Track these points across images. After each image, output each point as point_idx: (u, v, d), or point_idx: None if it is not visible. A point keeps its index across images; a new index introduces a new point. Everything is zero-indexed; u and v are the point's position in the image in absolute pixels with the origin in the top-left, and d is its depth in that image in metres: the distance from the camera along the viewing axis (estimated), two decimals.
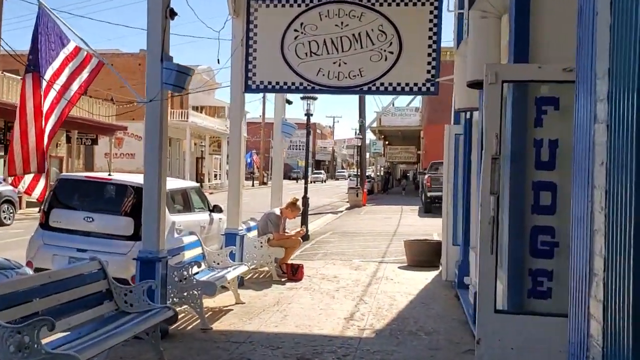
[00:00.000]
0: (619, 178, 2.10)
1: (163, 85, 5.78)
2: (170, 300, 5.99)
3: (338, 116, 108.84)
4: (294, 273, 8.98)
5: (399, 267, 10.44)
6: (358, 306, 7.35)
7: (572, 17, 4.60)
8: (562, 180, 4.39)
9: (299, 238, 9.72)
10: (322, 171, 75.28)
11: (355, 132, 37.11)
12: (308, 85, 8.61)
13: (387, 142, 47.91)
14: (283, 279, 8.89)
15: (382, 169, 52.20)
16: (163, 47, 5.80)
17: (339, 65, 8.47)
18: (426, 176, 25.07)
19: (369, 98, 34.64)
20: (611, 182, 2.17)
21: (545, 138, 4.39)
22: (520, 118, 4.50)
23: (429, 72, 8.38)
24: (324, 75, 8.50)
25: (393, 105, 39.13)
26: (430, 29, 8.41)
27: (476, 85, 5.69)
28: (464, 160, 8.62)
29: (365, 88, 8.54)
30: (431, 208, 23.98)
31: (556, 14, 4.58)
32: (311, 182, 52.29)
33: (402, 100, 37.58)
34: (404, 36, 8.40)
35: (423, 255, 10.57)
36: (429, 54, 8.40)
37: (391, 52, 8.42)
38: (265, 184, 53.01)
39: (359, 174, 33.00)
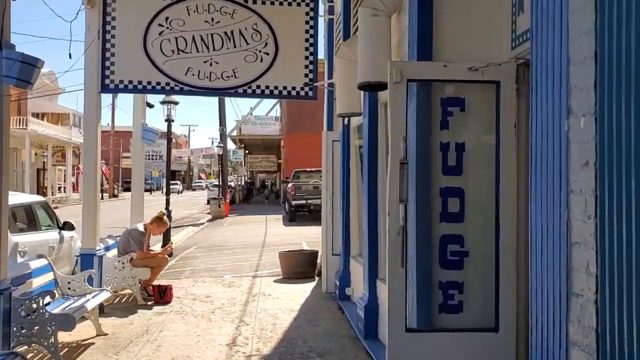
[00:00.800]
0: (617, 180, 1.75)
1: (3, 79, 4.74)
2: (16, 340, 4.91)
3: (194, 125, 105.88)
4: (161, 295, 8.06)
5: (274, 281, 9.90)
6: (239, 329, 6.69)
7: (477, 13, 4.44)
8: (470, 186, 4.15)
9: (166, 256, 8.78)
10: (178, 182, 72.48)
11: (212, 141, 36.11)
12: (176, 85, 7.79)
13: (247, 151, 47.24)
14: (149, 302, 7.94)
15: (243, 178, 51.42)
16: (2, 32, 4.75)
17: (211, 64, 7.78)
18: (290, 185, 24.86)
19: (228, 106, 33.85)
20: (606, 186, 1.81)
21: (451, 141, 4.12)
22: (425, 120, 4.19)
23: (306, 75, 7.99)
24: (193, 75, 7.75)
25: (252, 114, 38.71)
26: (307, 31, 8.04)
27: (368, 87, 5.37)
28: (342, 168, 8.34)
29: (240, 90, 7.92)
30: (296, 217, 23.81)
31: (459, 11, 4.36)
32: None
33: (262, 109, 37.37)
34: (280, 37, 7.93)
35: (299, 266, 10.14)
36: (306, 57, 8.01)
37: (267, 53, 7.90)
38: (116, 196, 49.76)
39: (220, 184, 32.00)
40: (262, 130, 41.84)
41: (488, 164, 4.14)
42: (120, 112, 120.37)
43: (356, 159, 8.21)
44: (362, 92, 6.71)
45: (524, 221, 4.09)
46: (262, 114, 44.83)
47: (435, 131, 4.15)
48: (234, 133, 37.57)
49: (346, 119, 8.00)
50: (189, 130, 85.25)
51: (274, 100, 33.96)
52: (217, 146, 34.23)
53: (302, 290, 9.00)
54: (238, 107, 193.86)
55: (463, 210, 4.11)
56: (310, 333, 6.52)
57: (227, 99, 32.93)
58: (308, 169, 27.18)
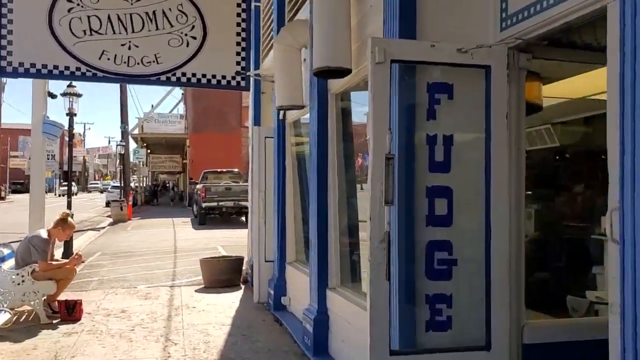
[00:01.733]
0: None
1: None
2: None
3: (90, 123, 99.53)
4: (69, 312, 6.98)
5: (196, 291, 9.02)
6: (167, 349, 5.82)
7: None
8: (458, 185, 3.64)
9: (75, 267, 7.65)
10: (73, 183, 68.05)
11: (109, 141, 34.00)
12: (88, 70, 6.78)
13: (149, 151, 44.96)
14: (55, 321, 6.85)
15: (145, 179, 48.95)
16: None
17: (129, 48, 6.86)
18: (200, 186, 23.70)
19: (130, 103, 31.96)
20: None
21: (439, 133, 3.59)
22: (410, 109, 3.64)
23: (238, 63, 7.26)
24: (109, 59, 6.79)
25: (154, 111, 36.91)
26: (239, 15, 7.31)
27: (326, 73, 4.76)
28: (277, 166, 7.66)
29: (162, 77, 7.04)
30: (206, 220, 22.72)
31: None
32: (60, 196, 46.66)
33: (165, 107, 35.69)
34: (208, 20, 7.15)
35: (223, 273, 9.33)
36: (238, 43, 7.28)
37: (194, 37, 7.09)
38: (3, 198, 45.79)
39: (121, 185, 30.08)
40: (166, 128, 39.99)
41: (478, 159, 3.66)
42: (8, 107, 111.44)
43: (292, 157, 7.57)
44: (306, 82, 6.11)
45: (515, 224, 3.67)
46: (165, 111, 42.94)
47: (421, 122, 3.61)
48: (136, 131, 35.54)
49: (281, 114, 7.34)
50: (85, 129, 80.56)
51: (178, 97, 32.47)
52: (118, 144, 32.23)
53: (230, 301, 8.22)
54: (140, 104, 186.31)
55: (451, 212, 3.59)
56: (249, 350, 5.79)
57: (129, 94, 31.06)
58: (218, 170, 26.17)
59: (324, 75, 4.81)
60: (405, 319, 3.58)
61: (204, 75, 7.11)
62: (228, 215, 23.14)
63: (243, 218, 22.12)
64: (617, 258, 2.39)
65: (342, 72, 4.66)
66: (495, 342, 3.56)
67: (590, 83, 4.81)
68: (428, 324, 3.55)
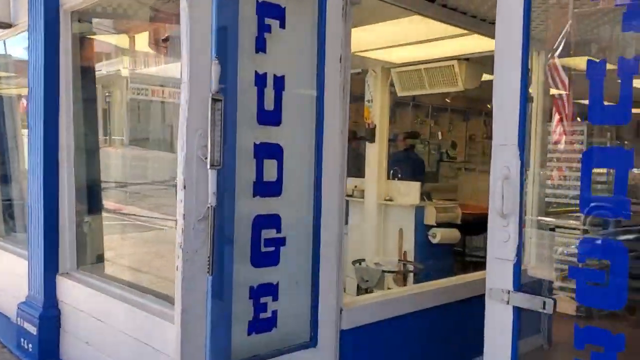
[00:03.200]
0: None
1: None
2: None
3: None
4: None
5: None
6: None
7: None
8: (288, 143, 2.82)
9: None
10: None
11: None
12: None
13: None
14: None
15: None
16: None
17: None
18: None
19: None
20: None
21: (269, 72, 2.69)
22: (232, 35, 2.63)
23: None
24: None
25: None
26: None
27: None
28: None
29: None
30: None
31: None
32: None
33: None
34: None
35: None
36: None
37: None
38: None
39: None
40: None
41: (309, 111, 2.90)
42: None
43: None
44: None
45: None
46: None
47: (248, 54, 2.64)
48: None
49: None
50: None
51: None
52: None
53: None
54: None
55: (281, 178, 2.77)
56: None
57: None
58: None
59: None
60: (220, 324, 2.65)
61: None
62: None
63: None
64: None
65: None
66: (322, 335, 2.93)
67: None
68: (251, 324, 2.70)
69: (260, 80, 2.64)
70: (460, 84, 5.61)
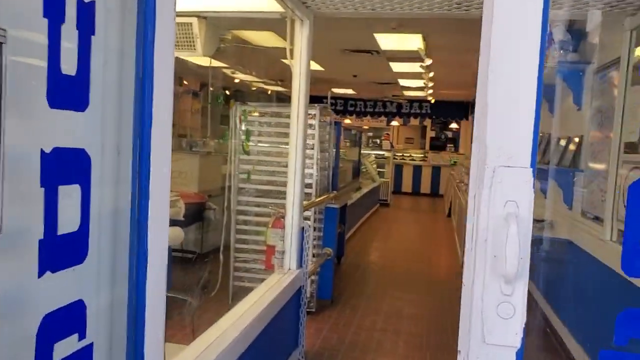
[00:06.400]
0: None
1: None
2: None
3: None
4: None
5: None
6: None
7: None
8: (98, 147, 1.34)
9: None
10: None
11: None
12: None
13: None
14: None
15: None
16: None
17: None
18: None
19: None
20: None
21: None
22: None
23: None
24: None
25: None
26: None
27: None
28: None
29: None
30: None
31: None
32: None
33: None
34: None
35: None
36: None
37: None
38: None
39: None
40: None
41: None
42: None
43: None
44: None
45: None
46: None
47: None
48: None
49: None
50: None
51: None
52: None
53: None
54: None
55: (87, 222, 1.30)
56: None
57: None
58: None
59: None
60: None
61: None
62: None
63: None
64: None
65: None
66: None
67: None
68: None
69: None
70: (200, 48, 4.48)
